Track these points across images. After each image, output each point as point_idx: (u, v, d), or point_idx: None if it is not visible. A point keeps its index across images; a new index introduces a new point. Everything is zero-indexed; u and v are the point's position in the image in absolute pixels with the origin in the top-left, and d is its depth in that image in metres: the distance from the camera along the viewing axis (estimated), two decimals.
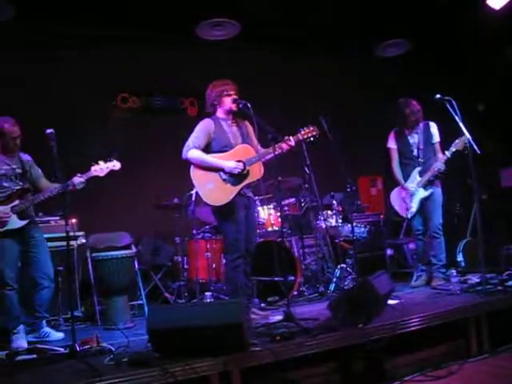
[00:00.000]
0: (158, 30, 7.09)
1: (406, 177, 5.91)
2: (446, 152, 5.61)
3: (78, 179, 4.58)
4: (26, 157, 4.82)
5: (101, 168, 4.70)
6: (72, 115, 6.58)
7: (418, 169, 5.83)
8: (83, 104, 6.76)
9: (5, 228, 4.52)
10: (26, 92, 6.48)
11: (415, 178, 5.83)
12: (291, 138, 4.68)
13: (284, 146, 4.63)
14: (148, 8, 6.56)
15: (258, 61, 7.73)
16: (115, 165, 4.76)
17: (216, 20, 6.97)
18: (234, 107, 4.75)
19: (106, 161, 4.73)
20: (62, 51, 6.82)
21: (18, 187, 4.68)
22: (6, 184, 4.63)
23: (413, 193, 5.79)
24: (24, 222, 4.61)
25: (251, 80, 5.99)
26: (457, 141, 5.48)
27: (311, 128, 4.72)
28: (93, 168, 4.69)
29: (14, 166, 4.71)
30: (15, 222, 4.56)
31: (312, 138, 4.70)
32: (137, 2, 6.44)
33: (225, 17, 6.92)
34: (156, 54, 7.34)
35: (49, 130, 4.10)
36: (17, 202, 4.60)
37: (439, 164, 5.68)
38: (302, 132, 4.69)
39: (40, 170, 4.87)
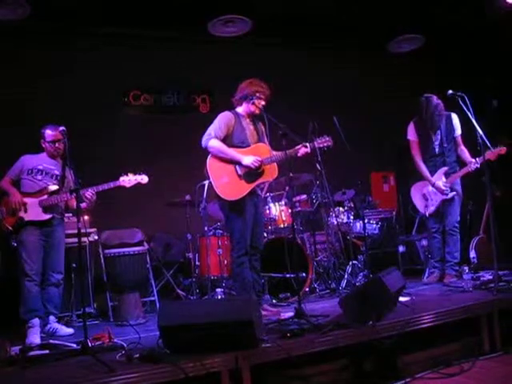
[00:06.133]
0: (169, 27, 7.10)
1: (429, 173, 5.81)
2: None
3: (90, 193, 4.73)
4: (69, 169, 4.89)
5: (129, 179, 4.86)
6: (83, 113, 6.62)
7: (445, 169, 5.72)
8: (95, 101, 6.81)
9: (29, 218, 4.69)
10: (37, 90, 6.56)
11: (440, 178, 5.72)
12: (308, 144, 4.76)
13: (301, 150, 4.72)
14: (160, 5, 6.57)
15: (269, 57, 7.70)
16: (143, 178, 4.90)
17: (228, 17, 6.96)
18: (256, 112, 4.79)
19: (135, 173, 4.83)
20: (73, 49, 6.86)
21: (50, 184, 4.85)
22: (39, 177, 4.85)
23: (446, 193, 5.65)
24: (47, 217, 4.78)
25: (263, 76, 5.89)
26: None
27: (326, 138, 4.82)
28: (121, 178, 4.82)
29: (53, 167, 4.92)
30: (38, 215, 4.73)
31: (326, 149, 4.82)
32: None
33: (236, 13, 6.91)
34: (168, 51, 7.36)
35: (61, 128, 4.16)
36: (45, 197, 4.78)
37: (475, 164, 5.53)
38: (319, 141, 4.79)
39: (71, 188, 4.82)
